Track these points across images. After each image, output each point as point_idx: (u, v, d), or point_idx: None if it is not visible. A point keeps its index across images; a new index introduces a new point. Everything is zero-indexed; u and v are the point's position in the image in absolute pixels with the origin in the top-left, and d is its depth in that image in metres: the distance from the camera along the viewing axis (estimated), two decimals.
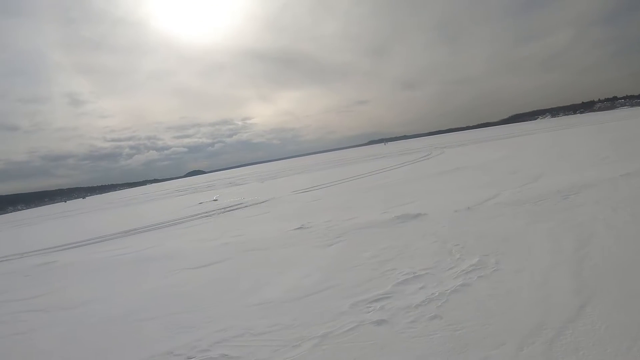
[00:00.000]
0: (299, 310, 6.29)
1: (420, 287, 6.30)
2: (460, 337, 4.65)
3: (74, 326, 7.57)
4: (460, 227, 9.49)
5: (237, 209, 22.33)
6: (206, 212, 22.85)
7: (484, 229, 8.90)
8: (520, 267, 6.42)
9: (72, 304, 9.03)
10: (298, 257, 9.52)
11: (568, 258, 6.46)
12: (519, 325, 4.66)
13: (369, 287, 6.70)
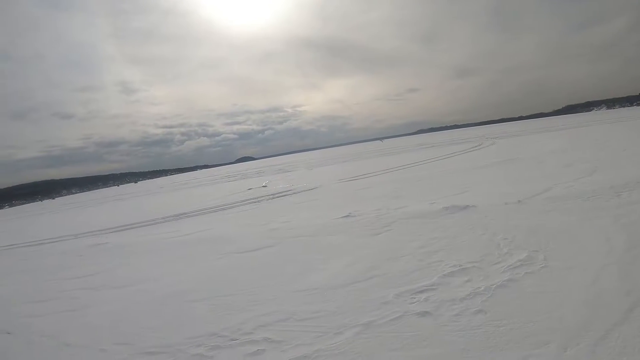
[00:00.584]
0: (343, 298, 6.34)
1: (466, 280, 6.25)
2: (503, 333, 4.60)
3: (124, 304, 7.82)
4: (509, 220, 9.34)
5: (285, 195, 22.51)
6: (255, 198, 23.12)
7: (534, 224, 8.73)
8: (570, 264, 6.29)
9: (123, 283, 9.32)
10: (344, 245, 9.56)
11: (619, 258, 6.29)
12: (565, 325, 4.57)
13: (415, 277, 6.68)
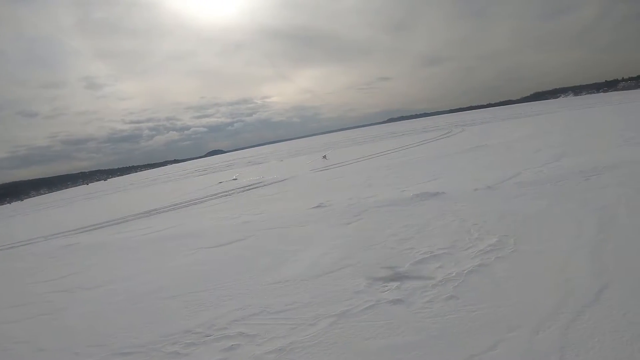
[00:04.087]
0: (317, 289, 6.35)
1: (438, 266, 6.29)
2: (476, 318, 4.63)
3: (98, 305, 7.72)
4: (479, 206, 9.42)
5: (256, 187, 22.43)
6: (226, 191, 22.98)
7: (504, 209, 8.82)
8: (540, 248, 6.36)
9: (96, 283, 9.20)
10: (317, 235, 9.58)
11: (589, 241, 6.38)
12: (536, 309, 4.62)
13: (387, 265, 6.71)
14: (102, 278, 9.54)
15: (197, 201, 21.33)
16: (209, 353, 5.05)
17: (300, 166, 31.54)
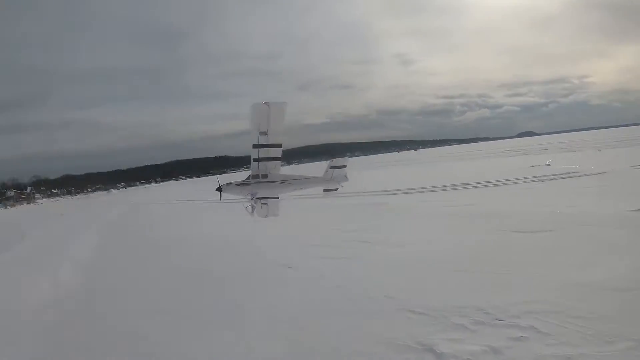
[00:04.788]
0: (622, 303, 5.80)
1: None
2: None
3: (394, 261, 8.39)
4: None
5: (570, 177, 21.28)
6: (537, 177, 22.32)
7: None
8: None
9: (396, 242, 9.97)
10: (634, 242, 8.69)
11: None
12: None
13: None
14: (402, 238, 10.19)
15: (506, 182, 21.13)
16: (495, 336, 5.08)
17: (621, 159, 28.83)
